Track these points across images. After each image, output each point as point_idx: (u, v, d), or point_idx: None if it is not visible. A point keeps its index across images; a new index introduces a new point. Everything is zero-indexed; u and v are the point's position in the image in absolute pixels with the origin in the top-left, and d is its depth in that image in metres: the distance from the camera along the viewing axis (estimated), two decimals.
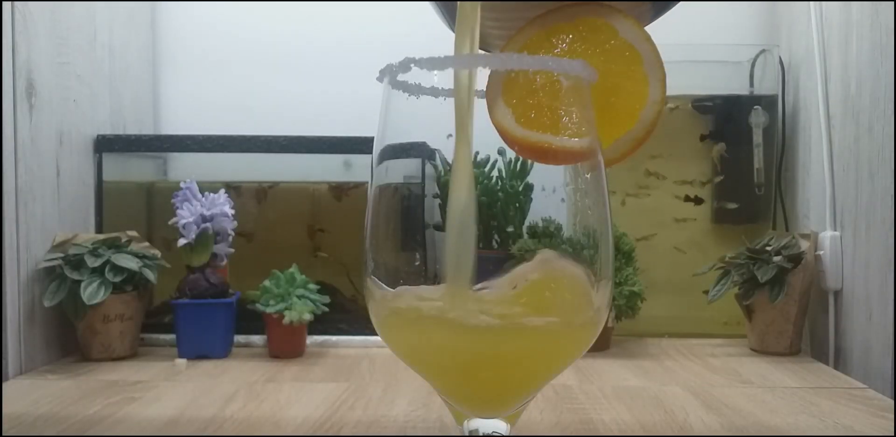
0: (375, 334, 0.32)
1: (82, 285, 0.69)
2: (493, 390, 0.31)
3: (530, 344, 0.29)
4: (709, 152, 0.87)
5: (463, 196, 0.29)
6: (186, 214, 0.74)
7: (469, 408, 0.32)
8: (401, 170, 0.31)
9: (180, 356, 0.73)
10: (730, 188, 0.87)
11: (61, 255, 0.71)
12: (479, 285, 0.29)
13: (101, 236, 0.75)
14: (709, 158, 0.88)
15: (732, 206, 0.87)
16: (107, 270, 0.71)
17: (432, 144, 0.31)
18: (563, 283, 0.30)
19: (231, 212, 0.77)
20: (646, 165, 0.87)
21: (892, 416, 0.55)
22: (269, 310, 0.73)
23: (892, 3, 0.65)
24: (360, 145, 0.82)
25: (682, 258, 0.87)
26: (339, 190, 0.86)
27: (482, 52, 0.35)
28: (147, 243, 0.79)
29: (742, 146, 0.87)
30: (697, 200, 0.87)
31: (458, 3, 0.31)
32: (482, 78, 0.30)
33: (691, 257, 0.87)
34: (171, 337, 0.76)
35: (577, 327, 0.30)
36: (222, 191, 0.77)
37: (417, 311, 0.30)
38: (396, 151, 0.31)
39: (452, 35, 0.32)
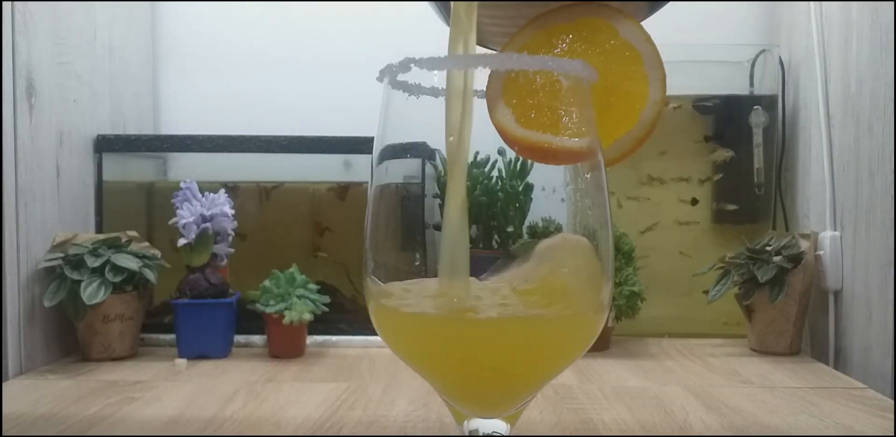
0: (375, 334, 0.32)
1: (82, 285, 0.69)
2: (493, 390, 0.31)
3: (528, 335, 0.29)
4: (708, 152, 0.87)
5: (458, 197, 0.29)
6: (186, 214, 0.74)
7: (469, 408, 0.32)
8: (401, 170, 0.31)
9: (180, 356, 0.73)
10: (730, 188, 0.87)
11: (61, 255, 0.71)
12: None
13: (101, 236, 0.75)
14: (708, 158, 0.88)
15: (732, 207, 0.87)
16: (107, 270, 0.71)
17: (432, 144, 0.31)
18: (566, 273, 0.30)
19: (231, 212, 0.77)
20: (646, 168, 0.87)
21: (892, 416, 0.55)
22: (269, 310, 0.73)
23: (893, 3, 0.65)
24: (360, 145, 0.82)
25: (683, 258, 0.87)
26: (340, 190, 0.86)
27: (481, 49, 0.35)
28: (147, 243, 0.79)
29: (742, 146, 0.87)
30: (693, 201, 0.87)
31: (453, 4, 0.31)
32: (481, 78, 0.30)
33: (691, 257, 0.87)
34: (171, 337, 0.76)
35: (577, 322, 0.30)
36: (222, 191, 0.77)
37: (416, 305, 0.30)
38: (396, 151, 0.31)
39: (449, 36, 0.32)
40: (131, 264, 0.72)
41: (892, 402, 0.60)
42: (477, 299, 0.29)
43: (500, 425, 0.32)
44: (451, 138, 0.29)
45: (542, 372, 0.32)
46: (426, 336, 0.30)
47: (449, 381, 0.32)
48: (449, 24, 0.33)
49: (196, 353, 0.73)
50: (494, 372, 0.30)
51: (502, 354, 0.29)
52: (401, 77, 0.30)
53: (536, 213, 0.31)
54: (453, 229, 0.29)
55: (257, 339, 0.79)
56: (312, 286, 0.76)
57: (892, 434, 0.51)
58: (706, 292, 0.79)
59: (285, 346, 0.75)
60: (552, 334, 0.30)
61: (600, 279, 0.30)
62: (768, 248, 0.78)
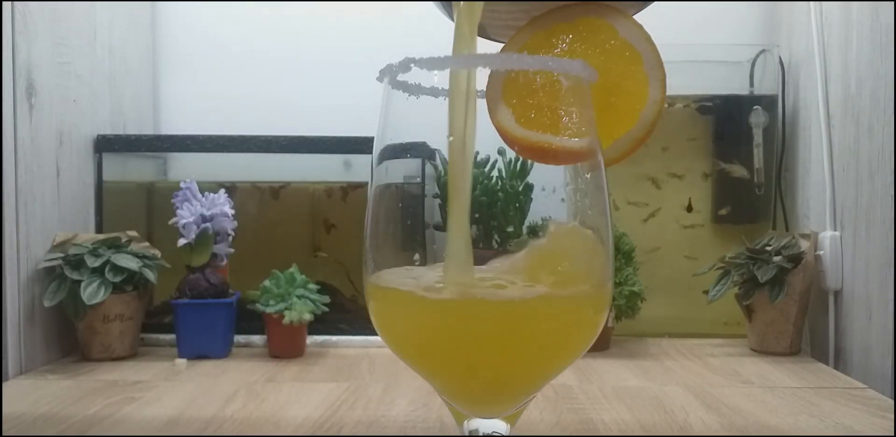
0: (375, 334, 0.32)
1: (82, 285, 0.69)
2: (494, 389, 0.31)
3: (531, 313, 0.29)
4: (707, 151, 0.88)
5: (462, 196, 0.29)
6: (186, 214, 0.74)
7: (469, 408, 0.32)
8: (401, 170, 0.31)
9: (180, 356, 0.73)
10: (730, 188, 0.87)
11: (61, 255, 0.71)
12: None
13: (101, 236, 0.75)
14: (707, 157, 0.88)
15: (726, 211, 0.87)
16: (107, 270, 0.71)
17: (432, 144, 0.31)
18: (568, 256, 0.30)
19: (231, 212, 0.77)
20: (646, 168, 0.87)
21: (892, 416, 0.55)
22: (269, 310, 0.73)
23: (893, 3, 0.65)
24: (360, 145, 0.82)
25: (683, 258, 0.87)
26: (340, 190, 0.86)
27: (484, 47, 0.35)
28: (147, 243, 0.79)
29: (742, 146, 0.87)
30: (689, 208, 0.87)
31: (454, 4, 0.31)
32: (482, 78, 0.30)
33: (697, 258, 0.87)
34: (171, 337, 0.76)
35: (580, 302, 0.30)
36: (222, 191, 0.77)
37: (416, 284, 0.30)
38: (396, 151, 0.31)
39: (452, 36, 0.32)
40: (131, 264, 0.72)
41: (892, 402, 0.60)
42: (479, 281, 0.29)
43: (500, 425, 0.32)
44: (451, 138, 0.29)
45: (543, 369, 0.32)
46: (427, 320, 0.30)
47: (448, 377, 0.32)
48: (451, 19, 0.33)
49: (196, 353, 0.73)
50: (494, 371, 0.30)
51: (504, 336, 0.29)
52: (401, 77, 0.30)
53: (536, 213, 0.31)
54: (457, 226, 0.29)
55: (257, 339, 0.79)
56: (312, 286, 0.76)
57: (892, 434, 0.51)
58: (706, 292, 0.79)
59: (285, 346, 0.75)
60: (555, 312, 0.29)
61: (601, 262, 0.30)
62: (768, 248, 0.78)
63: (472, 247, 0.29)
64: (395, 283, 0.30)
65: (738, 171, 0.84)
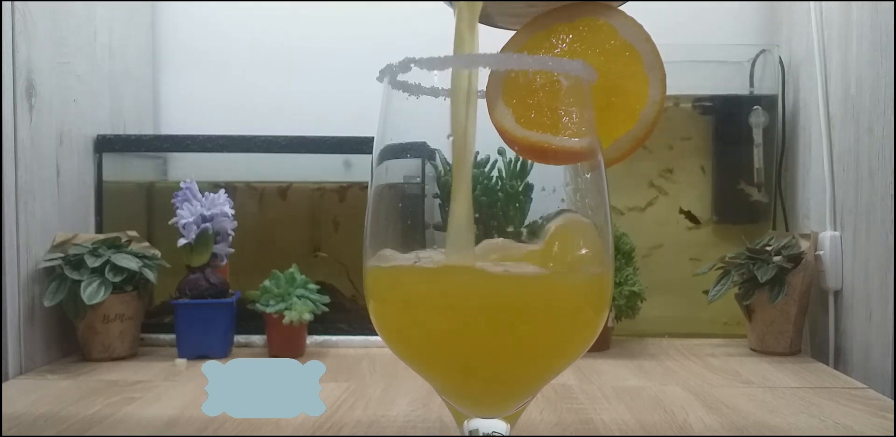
0: (375, 334, 0.32)
1: (82, 285, 0.69)
2: (493, 386, 0.31)
3: (532, 293, 0.29)
4: (707, 152, 0.88)
5: (464, 191, 0.29)
6: (186, 215, 0.74)
7: (469, 408, 0.32)
8: (401, 170, 0.31)
9: (180, 356, 0.73)
10: (729, 189, 0.87)
11: (61, 255, 0.71)
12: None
13: (101, 236, 0.75)
14: (708, 157, 0.88)
15: (726, 211, 0.87)
16: (107, 270, 0.71)
17: (432, 144, 0.31)
18: (570, 240, 0.30)
19: (231, 212, 0.77)
20: (646, 169, 0.87)
21: (892, 416, 0.55)
22: (269, 310, 0.73)
23: (893, 3, 0.65)
24: (360, 145, 0.82)
25: (683, 257, 0.87)
26: (340, 190, 0.86)
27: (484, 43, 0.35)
28: (147, 243, 0.79)
29: (742, 146, 0.87)
30: (693, 219, 0.87)
31: (456, 3, 0.31)
32: (481, 77, 0.30)
33: (700, 260, 0.87)
34: (171, 337, 0.76)
35: (580, 283, 0.30)
36: (222, 191, 0.77)
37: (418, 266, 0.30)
38: (396, 151, 0.31)
39: (452, 36, 0.32)
40: (131, 264, 0.72)
41: (892, 402, 0.59)
42: (481, 257, 0.29)
43: (500, 425, 0.32)
44: (451, 138, 0.29)
45: (542, 368, 0.32)
46: (424, 297, 0.30)
47: (447, 374, 0.32)
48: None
49: (196, 353, 0.73)
50: (493, 369, 0.30)
51: (503, 320, 0.29)
52: (401, 77, 0.30)
53: (536, 213, 0.31)
54: (460, 220, 0.29)
55: (257, 339, 0.79)
56: (312, 286, 0.76)
57: (892, 434, 0.51)
58: (706, 292, 0.79)
59: (285, 346, 0.75)
60: (557, 295, 0.29)
61: (601, 248, 0.30)
62: (768, 248, 0.78)
63: (473, 228, 0.29)
64: (392, 262, 0.30)
65: (755, 194, 0.85)
